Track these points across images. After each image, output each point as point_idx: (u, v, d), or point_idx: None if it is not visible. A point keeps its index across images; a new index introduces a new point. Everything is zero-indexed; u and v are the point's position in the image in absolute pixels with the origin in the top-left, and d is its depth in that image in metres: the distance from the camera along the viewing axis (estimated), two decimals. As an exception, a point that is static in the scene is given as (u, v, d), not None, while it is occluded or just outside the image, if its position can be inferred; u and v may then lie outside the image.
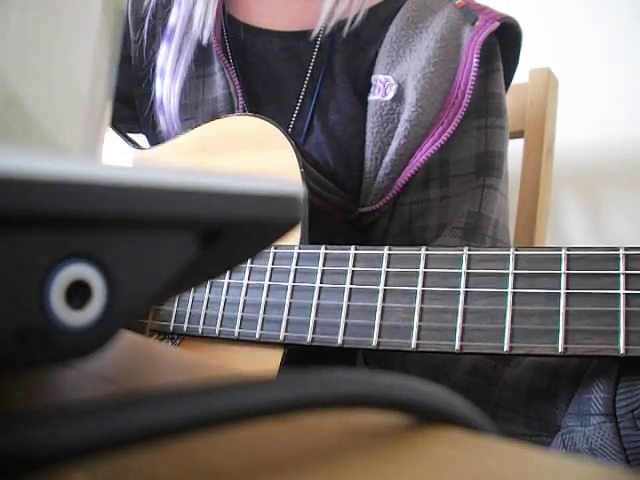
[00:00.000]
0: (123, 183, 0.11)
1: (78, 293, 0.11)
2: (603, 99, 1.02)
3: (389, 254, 0.43)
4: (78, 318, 0.11)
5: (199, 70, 0.68)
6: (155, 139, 0.71)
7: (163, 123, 0.70)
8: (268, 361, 0.46)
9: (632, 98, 1.00)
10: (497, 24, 0.59)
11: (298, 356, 0.49)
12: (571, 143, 1.00)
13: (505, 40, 0.62)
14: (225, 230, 0.13)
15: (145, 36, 0.71)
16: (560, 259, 0.37)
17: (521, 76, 0.80)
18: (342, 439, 0.14)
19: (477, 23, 0.59)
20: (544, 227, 0.78)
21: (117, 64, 0.19)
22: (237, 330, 0.48)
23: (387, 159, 0.58)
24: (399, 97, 0.59)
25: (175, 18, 0.68)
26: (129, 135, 0.71)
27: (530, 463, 0.13)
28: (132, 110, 0.74)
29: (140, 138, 0.74)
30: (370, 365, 0.58)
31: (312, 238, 0.50)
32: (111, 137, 0.69)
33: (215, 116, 0.61)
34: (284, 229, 0.15)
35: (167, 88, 0.69)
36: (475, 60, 0.57)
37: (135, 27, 0.72)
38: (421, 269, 0.41)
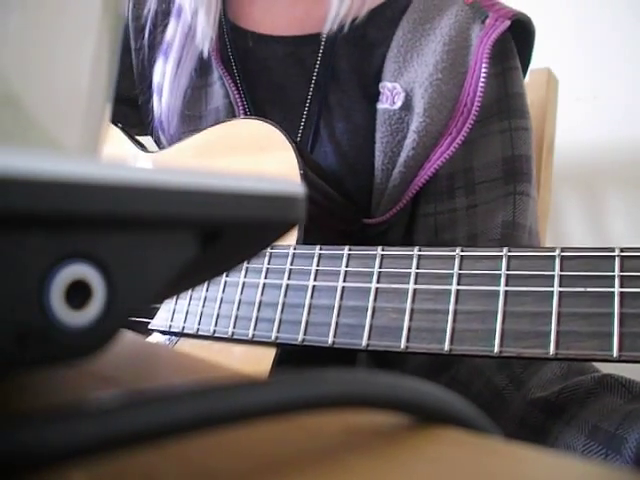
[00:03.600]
0: (123, 183, 0.11)
1: (78, 293, 0.11)
2: (603, 99, 1.02)
3: (382, 254, 0.43)
4: (78, 318, 0.11)
5: (201, 80, 0.66)
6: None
7: (164, 140, 0.70)
8: (261, 361, 0.46)
9: (632, 98, 1.00)
10: (508, 23, 0.56)
11: (296, 358, 0.48)
12: (571, 143, 1.00)
13: (518, 37, 0.59)
14: (225, 230, 0.13)
15: (146, 47, 0.70)
16: (554, 259, 0.36)
17: (521, 76, 0.80)
18: (342, 439, 0.14)
19: (487, 22, 0.56)
20: (544, 227, 0.78)
21: (117, 65, 0.19)
22: (231, 329, 0.48)
23: (396, 171, 0.56)
24: (407, 106, 0.57)
25: (173, 32, 0.67)
26: (138, 138, 0.70)
27: (530, 463, 0.13)
28: (141, 115, 0.73)
29: (148, 140, 0.74)
30: None
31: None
32: (119, 139, 0.69)
33: (218, 123, 0.60)
34: (284, 229, 0.15)
35: (166, 106, 0.67)
36: (484, 65, 0.54)
37: (136, 35, 0.71)
38: (413, 269, 0.41)
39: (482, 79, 0.54)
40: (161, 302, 0.52)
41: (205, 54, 0.64)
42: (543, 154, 0.78)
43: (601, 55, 1.02)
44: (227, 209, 0.13)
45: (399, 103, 0.57)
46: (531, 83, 0.81)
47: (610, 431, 0.39)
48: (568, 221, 1.04)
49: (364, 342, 0.41)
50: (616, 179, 1.02)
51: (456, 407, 0.15)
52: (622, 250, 0.35)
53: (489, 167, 0.57)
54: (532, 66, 0.82)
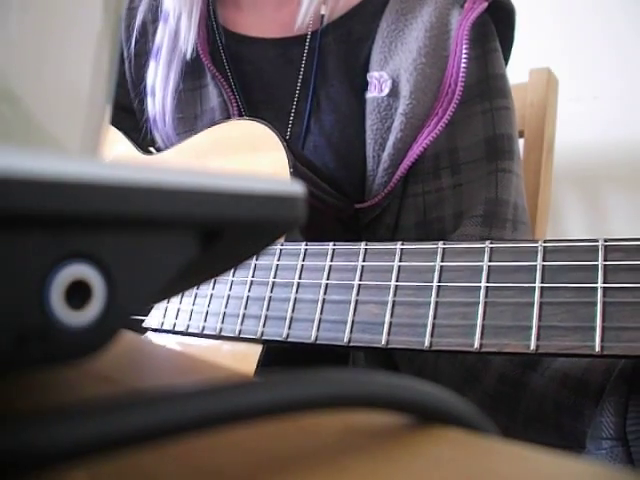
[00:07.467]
0: (123, 183, 0.11)
1: (78, 293, 0.11)
2: (603, 99, 1.02)
3: (365, 249, 0.43)
4: (78, 318, 0.11)
5: (195, 82, 0.68)
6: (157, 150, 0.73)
7: (159, 140, 0.71)
8: (247, 358, 0.46)
9: (632, 98, 1.00)
10: (485, 4, 0.58)
11: (286, 357, 0.49)
12: (571, 143, 1.00)
13: (498, 19, 0.61)
14: (225, 230, 0.13)
15: (133, 56, 0.72)
16: (536, 252, 0.36)
17: (521, 76, 0.80)
18: (342, 439, 0.14)
19: (465, 5, 0.58)
20: (544, 227, 0.78)
21: (117, 65, 0.19)
22: (219, 326, 0.48)
23: (385, 154, 0.58)
24: (394, 92, 0.59)
25: (161, 35, 0.69)
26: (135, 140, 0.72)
27: (530, 463, 0.13)
28: (137, 121, 0.75)
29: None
30: (402, 368, 0.58)
31: (305, 239, 0.50)
32: (117, 140, 0.70)
33: (213, 124, 0.61)
34: (284, 229, 0.15)
35: (159, 105, 0.69)
36: (465, 46, 0.56)
37: (126, 44, 0.73)
38: (395, 263, 0.41)
39: (464, 59, 0.56)
40: (161, 302, 0.52)
41: (188, 56, 0.67)
42: (543, 154, 0.78)
43: (601, 55, 1.02)
44: (228, 209, 0.13)
45: (386, 90, 0.59)
46: (531, 83, 0.81)
47: (577, 377, 0.42)
48: (568, 221, 1.04)
49: (346, 337, 0.41)
50: (616, 179, 1.02)
51: (456, 407, 0.15)
52: (606, 240, 0.34)
53: (472, 147, 0.59)
54: (532, 66, 0.82)
